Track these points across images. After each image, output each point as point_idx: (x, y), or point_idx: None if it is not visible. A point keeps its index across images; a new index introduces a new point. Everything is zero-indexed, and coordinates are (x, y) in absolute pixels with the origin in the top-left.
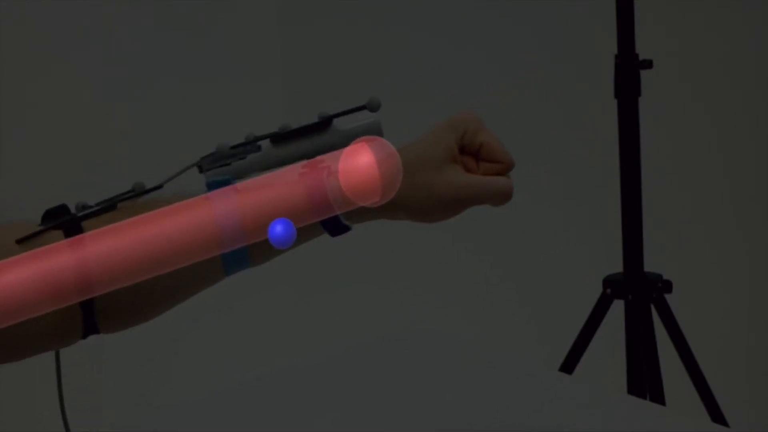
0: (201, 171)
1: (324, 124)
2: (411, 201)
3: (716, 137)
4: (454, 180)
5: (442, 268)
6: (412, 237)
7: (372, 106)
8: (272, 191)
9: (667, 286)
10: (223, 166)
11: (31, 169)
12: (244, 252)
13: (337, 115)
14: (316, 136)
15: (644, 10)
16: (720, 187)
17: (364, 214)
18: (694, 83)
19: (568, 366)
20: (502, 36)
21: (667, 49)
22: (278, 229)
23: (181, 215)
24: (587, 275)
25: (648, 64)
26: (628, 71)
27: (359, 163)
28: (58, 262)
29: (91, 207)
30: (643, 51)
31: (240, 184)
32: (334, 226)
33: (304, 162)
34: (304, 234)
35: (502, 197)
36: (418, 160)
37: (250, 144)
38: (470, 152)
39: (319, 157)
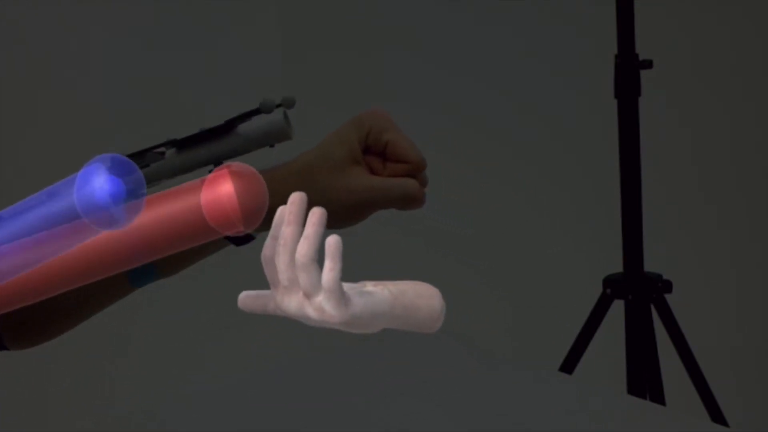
0: None
1: (226, 127)
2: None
3: (716, 137)
4: (352, 183)
5: (441, 268)
6: (411, 237)
7: (265, 108)
8: (172, 206)
9: (667, 286)
10: None
11: (31, 169)
12: (147, 264)
13: (239, 119)
14: (219, 140)
15: (644, 10)
16: (720, 187)
17: (265, 222)
18: (694, 83)
19: (568, 366)
20: (502, 36)
21: (667, 49)
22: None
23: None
24: (587, 275)
25: (648, 64)
26: (628, 71)
27: (219, 192)
28: None
29: None
30: (643, 51)
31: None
32: (239, 237)
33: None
34: (210, 245)
35: (405, 201)
36: (318, 163)
37: (151, 152)
38: (376, 152)
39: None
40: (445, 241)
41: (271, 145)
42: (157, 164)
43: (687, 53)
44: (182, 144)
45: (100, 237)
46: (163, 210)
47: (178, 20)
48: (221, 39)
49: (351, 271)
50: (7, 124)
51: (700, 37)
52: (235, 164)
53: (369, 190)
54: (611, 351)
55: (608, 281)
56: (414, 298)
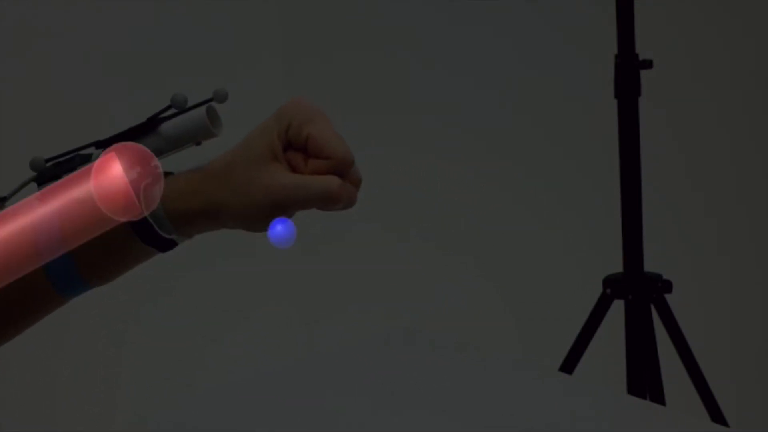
0: (38, 185)
1: (148, 125)
2: (231, 207)
3: (716, 137)
4: (267, 181)
5: (441, 269)
6: (410, 237)
7: (176, 105)
8: (65, 195)
9: (667, 286)
10: (54, 180)
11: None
12: (70, 271)
13: (159, 115)
14: (142, 139)
15: (644, 10)
16: (720, 187)
17: (187, 225)
18: (694, 83)
19: (568, 366)
20: (502, 36)
21: (667, 49)
22: (279, 228)
23: None
24: (587, 275)
25: (648, 64)
26: (628, 71)
27: (109, 176)
28: None
29: None
30: (643, 51)
31: (43, 191)
32: (160, 243)
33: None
34: (134, 251)
35: (324, 200)
36: (238, 160)
37: (79, 153)
38: (298, 148)
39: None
40: (445, 241)
41: (198, 143)
42: (85, 167)
43: (687, 53)
44: (107, 144)
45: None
46: (56, 201)
47: (178, 20)
48: (221, 39)
49: (351, 271)
50: (6, 125)
51: (700, 37)
52: (122, 144)
53: (284, 189)
54: (611, 351)
55: (608, 281)
56: None
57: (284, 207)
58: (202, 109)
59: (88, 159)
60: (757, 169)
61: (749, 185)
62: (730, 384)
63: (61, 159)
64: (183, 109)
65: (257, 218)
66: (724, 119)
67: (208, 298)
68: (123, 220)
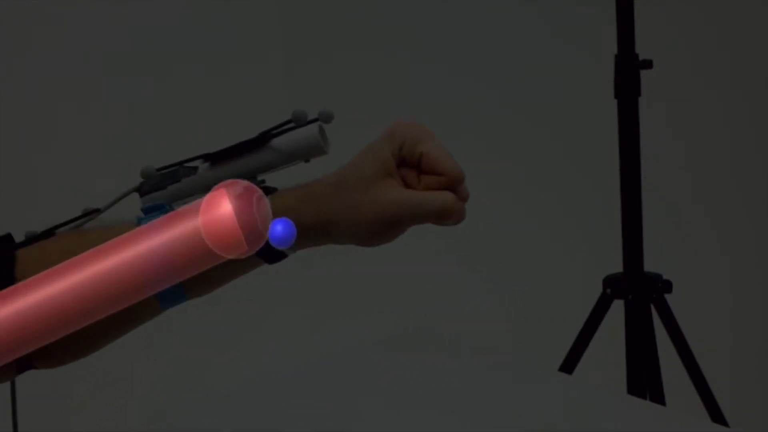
0: (141, 195)
1: (259, 141)
2: (344, 224)
3: (716, 137)
4: (383, 198)
5: (441, 269)
6: (410, 239)
7: (298, 120)
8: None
9: (667, 286)
10: (159, 190)
11: (30, 170)
12: (176, 287)
13: (272, 131)
14: (252, 154)
15: (644, 10)
16: (720, 186)
17: (300, 241)
18: (694, 83)
19: (568, 366)
20: (502, 36)
21: (667, 49)
22: (278, 228)
23: (107, 259)
24: (587, 275)
25: (648, 64)
26: (628, 71)
27: (218, 213)
28: None
29: (35, 234)
30: (643, 51)
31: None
32: (272, 255)
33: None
34: (242, 265)
35: (440, 215)
36: (349, 178)
37: (185, 166)
38: (411, 165)
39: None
40: (445, 241)
41: (306, 160)
42: (189, 179)
43: (687, 53)
44: (215, 158)
45: (119, 267)
46: (162, 237)
47: (178, 20)
48: (221, 39)
49: (353, 274)
50: (7, 125)
51: (700, 37)
52: (233, 181)
53: (400, 205)
54: (611, 351)
55: (608, 281)
56: None
57: (400, 222)
58: (315, 126)
59: (193, 171)
60: (757, 169)
61: (749, 185)
62: (730, 384)
63: (167, 170)
64: (302, 125)
65: (372, 233)
66: (724, 119)
67: (219, 301)
68: (231, 257)
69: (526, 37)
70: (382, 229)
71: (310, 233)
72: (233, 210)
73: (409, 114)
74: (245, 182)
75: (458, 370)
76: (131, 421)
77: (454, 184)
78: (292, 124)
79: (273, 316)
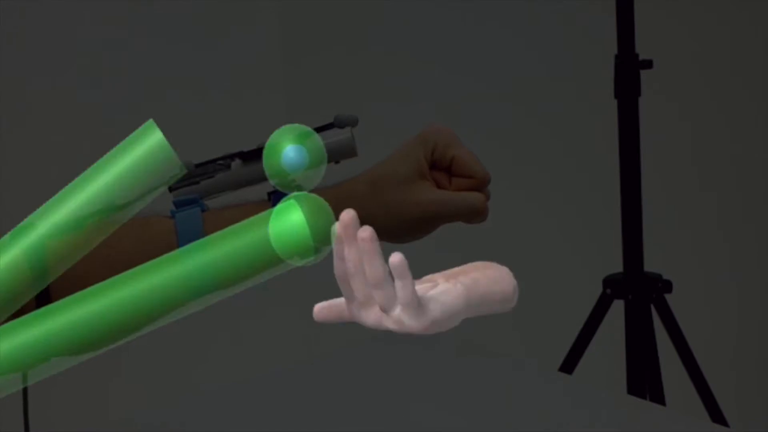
0: (170, 189)
1: None
2: (378, 222)
3: (716, 137)
4: (419, 197)
5: (441, 268)
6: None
7: (340, 123)
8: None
9: (667, 286)
10: (191, 185)
11: (31, 171)
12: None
13: None
14: None
15: (644, 10)
16: (720, 186)
17: None
18: (694, 83)
19: (568, 366)
20: (502, 35)
21: (667, 49)
22: (291, 155)
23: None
24: (587, 275)
25: (648, 64)
26: (628, 71)
27: (289, 222)
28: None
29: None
30: (643, 51)
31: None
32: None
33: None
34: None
35: (472, 214)
36: (384, 178)
37: (218, 162)
38: (442, 167)
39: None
40: (445, 241)
41: (337, 161)
42: (223, 174)
43: (687, 53)
44: (249, 156)
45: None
46: (231, 245)
47: (178, 20)
48: (221, 39)
49: None
50: (6, 126)
51: (700, 37)
52: (302, 194)
53: (436, 204)
54: (611, 351)
55: (608, 281)
56: (487, 286)
57: (434, 219)
58: (348, 129)
59: (227, 168)
60: (758, 169)
61: (750, 185)
62: (730, 384)
63: (201, 166)
64: (342, 128)
65: (410, 230)
66: (725, 119)
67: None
68: (299, 265)
69: (526, 37)
70: (420, 226)
71: None
72: (305, 218)
73: (408, 114)
74: (311, 195)
75: (458, 370)
76: (115, 421)
77: (481, 186)
78: (330, 126)
79: (273, 316)
